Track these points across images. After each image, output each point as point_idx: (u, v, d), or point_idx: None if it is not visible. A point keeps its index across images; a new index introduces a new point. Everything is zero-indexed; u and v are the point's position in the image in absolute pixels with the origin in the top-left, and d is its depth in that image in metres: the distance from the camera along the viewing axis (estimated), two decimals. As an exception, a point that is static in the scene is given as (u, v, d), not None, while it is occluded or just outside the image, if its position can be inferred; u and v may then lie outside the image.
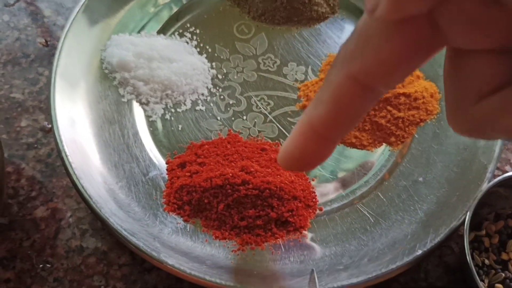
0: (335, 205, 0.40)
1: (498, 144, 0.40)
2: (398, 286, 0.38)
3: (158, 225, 0.37)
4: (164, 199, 0.38)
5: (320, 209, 0.40)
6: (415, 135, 0.43)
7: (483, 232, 0.38)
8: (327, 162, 0.42)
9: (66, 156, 0.37)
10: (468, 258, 0.33)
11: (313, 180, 0.41)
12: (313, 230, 0.39)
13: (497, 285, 0.35)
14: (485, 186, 0.37)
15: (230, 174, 0.38)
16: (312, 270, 0.34)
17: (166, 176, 0.40)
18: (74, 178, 0.36)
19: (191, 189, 0.38)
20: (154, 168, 0.40)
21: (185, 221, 0.38)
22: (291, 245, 0.38)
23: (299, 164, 0.19)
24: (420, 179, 0.41)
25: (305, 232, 0.38)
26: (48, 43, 0.47)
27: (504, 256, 0.37)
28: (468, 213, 0.35)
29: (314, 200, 0.40)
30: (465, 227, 0.34)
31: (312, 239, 0.38)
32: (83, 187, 0.35)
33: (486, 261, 0.36)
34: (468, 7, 0.13)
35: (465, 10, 0.13)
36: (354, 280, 0.34)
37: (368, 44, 0.15)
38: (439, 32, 0.14)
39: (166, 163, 0.41)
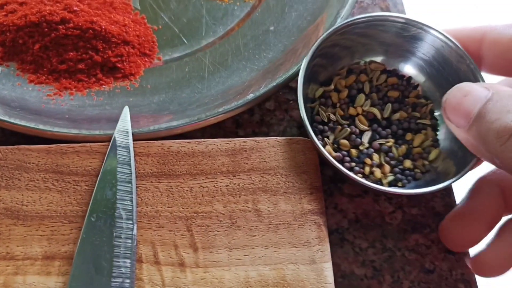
0: (176, 54, 0.36)
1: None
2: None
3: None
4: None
5: (159, 59, 0.36)
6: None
7: (332, 87, 0.35)
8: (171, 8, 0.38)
9: None
10: (302, 112, 0.31)
11: (155, 29, 0.37)
12: (145, 78, 0.35)
13: (341, 141, 0.33)
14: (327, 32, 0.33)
15: (48, 11, 0.33)
16: (126, 107, 0.31)
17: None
18: None
19: (4, 28, 0.34)
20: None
21: (-5, 63, 0.33)
22: (116, 92, 0.34)
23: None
24: (271, 28, 0.37)
25: (135, 80, 0.35)
26: None
27: (352, 111, 0.34)
28: (305, 59, 0.31)
29: (152, 49, 0.36)
30: (299, 74, 0.31)
31: (142, 86, 0.34)
32: None
33: (332, 117, 0.34)
34: None
35: None
36: (174, 123, 0.31)
37: None
38: None
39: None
